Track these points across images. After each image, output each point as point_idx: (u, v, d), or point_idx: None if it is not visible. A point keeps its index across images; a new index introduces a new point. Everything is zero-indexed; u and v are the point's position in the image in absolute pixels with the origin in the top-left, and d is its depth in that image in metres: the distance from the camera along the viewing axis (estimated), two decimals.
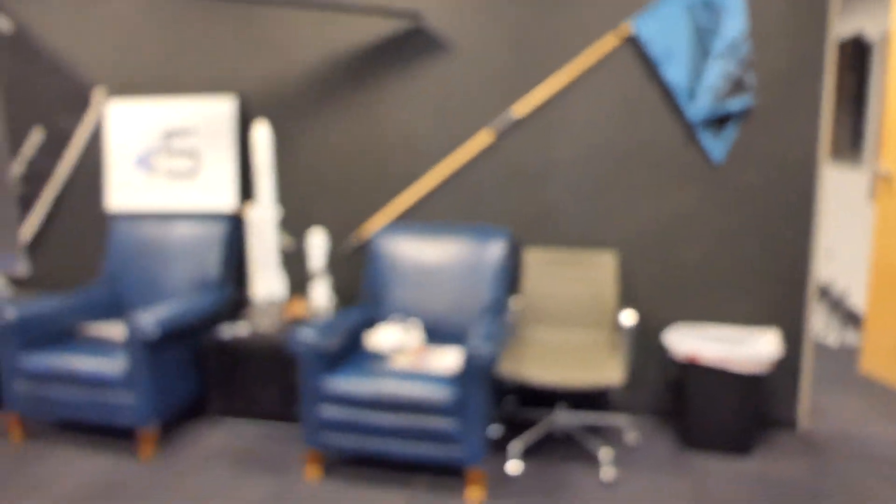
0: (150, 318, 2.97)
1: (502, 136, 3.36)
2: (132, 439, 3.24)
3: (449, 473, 2.89)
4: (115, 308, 3.62)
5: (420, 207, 3.51)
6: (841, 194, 5.29)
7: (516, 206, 3.39)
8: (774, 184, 3.14)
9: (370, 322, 3.27)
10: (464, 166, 3.43)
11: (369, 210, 3.58)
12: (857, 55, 4.80)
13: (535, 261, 3.30)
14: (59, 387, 3.08)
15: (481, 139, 3.37)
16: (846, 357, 4.28)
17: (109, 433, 3.31)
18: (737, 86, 3.05)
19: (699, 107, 3.08)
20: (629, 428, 3.24)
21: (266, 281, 3.34)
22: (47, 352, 3.13)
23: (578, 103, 3.25)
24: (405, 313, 3.25)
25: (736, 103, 3.07)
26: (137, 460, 3.04)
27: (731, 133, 3.11)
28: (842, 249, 5.30)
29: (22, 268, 3.25)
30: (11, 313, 3.12)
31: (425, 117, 3.43)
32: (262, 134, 3.24)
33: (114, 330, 3.33)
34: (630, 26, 3.16)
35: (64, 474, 2.92)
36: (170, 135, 3.70)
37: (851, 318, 4.84)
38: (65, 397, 3.08)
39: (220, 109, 3.62)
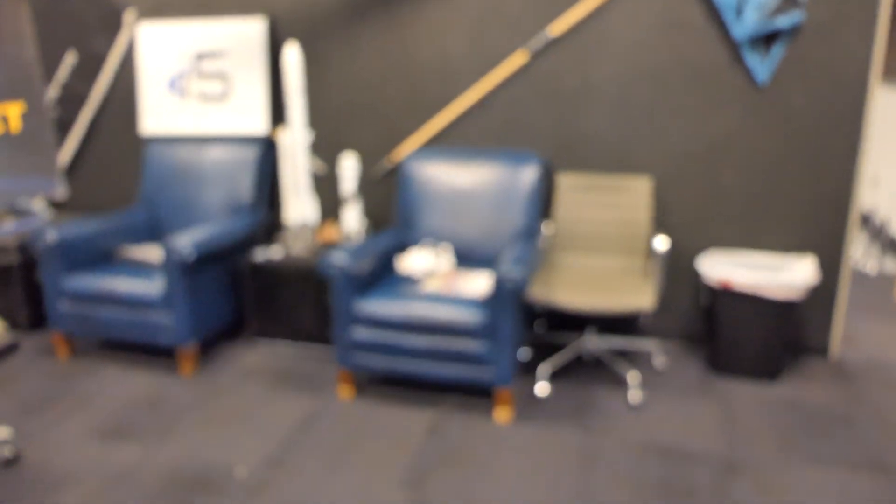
0: (186, 241, 3.00)
1: (537, 56, 3.30)
2: (173, 358, 3.32)
3: (478, 394, 2.93)
4: (152, 231, 3.66)
5: (452, 131, 3.48)
6: (891, 118, 5.10)
7: (550, 129, 3.35)
8: (821, 106, 3.04)
9: (401, 246, 3.27)
10: (497, 89, 3.38)
11: (401, 134, 3.56)
12: None
13: (568, 186, 3.27)
14: (101, 307, 3.14)
15: (516, 60, 3.31)
16: (884, 285, 4.22)
17: (151, 352, 3.39)
18: (787, 1, 2.92)
19: (746, 24, 2.97)
20: (657, 352, 3.24)
21: (298, 205, 3.36)
22: (88, 273, 3.19)
23: (617, 21, 3.17)
24: (436, 238, 3.25)
25: (785, 20, 2.94)
26: (178, 378, 3.11)
27: (777, 52, 3.00)
28: (888, 177, 5.15)
29: (61, 191, 3.32)
30: (53, 236, 3.17)
31: (458, 38, 3.38)
32: (292, 56, 3.21)
33: (151, 252, 3.38)
34: None
35: (109, 390, 3.01)
36: (201, 57, 3.69)
37: (892, 247, 4.75)
38: (107, 317, 3.16)
39: (250, 31, 3.58)
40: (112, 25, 3.84)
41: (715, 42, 3.09)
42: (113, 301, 3.10)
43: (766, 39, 3.01)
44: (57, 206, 4.19)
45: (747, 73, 3.08)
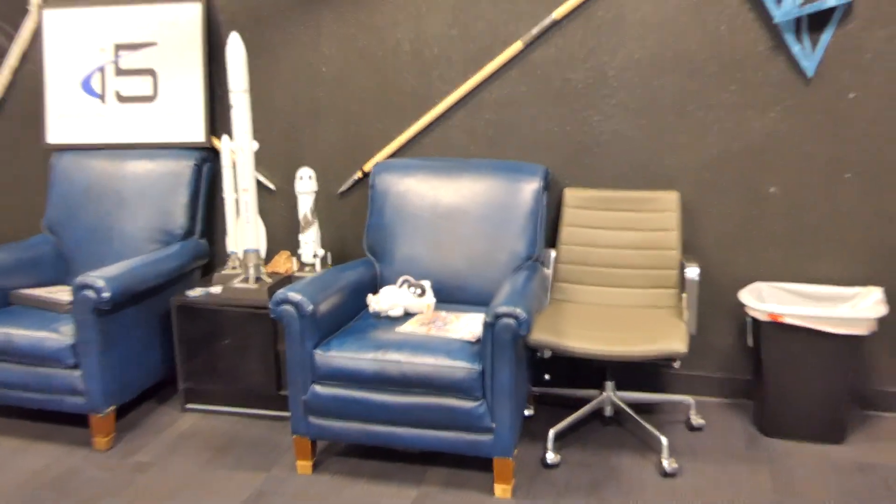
0: (102, 279, 2.95)
1: (538, 44, 3.30)
2: (85, 426, 3.26)
3: (471, 465, 2.89)
4: (58, 266, 3.60)
5: (434, 137, 3.48)
6: None
7: (555, 133, 3.36)
8: (881, 102, 3.04)
9: (373, 280, 3.28)
10: (489, 85, 3.39)
11: (371, 141, 3.56)
12: None
13: (578, 203, 3.28)
14: None
15: (511, 48, 3.31)
16: None
17: (58, 419, 3.33)
18: None
19: (789, 5, 2.98)
20: (693, 408, 3.22)
21: (243, 231, 3.30)
22: None
23: (636, 1, 3.18)
24: (416, 269, 3.24)
25: None
26: (92, 451, 3.06)
27: (827, 37, 3.02)
28: None
29: None
30: None
31: (440, 20, 3.38)
32: (235, 47, 3.14)
33: (57, 294, 3.32)
34: None
35: (3, 469, 2.94)
36: (122, 50, 3.66)
37: None
38: (1, 377, 3.06)
39: (183, 18, 3.57)
40: (13, 12, 3.76)
41: (753, 27, 3.10)
42: (8, 356, 3.03)
43: (814, 22, 3.02)
44: None
45: (792, 63, 3.09)
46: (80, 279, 2.93)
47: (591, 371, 3.49)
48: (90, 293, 2.92)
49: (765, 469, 2.83)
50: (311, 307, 2.72)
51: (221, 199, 3.69)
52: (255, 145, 3.27)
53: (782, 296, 3.16)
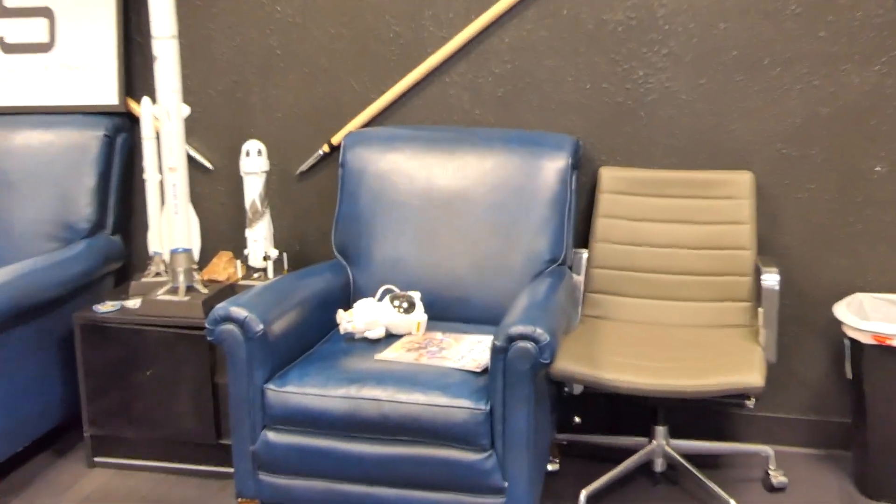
0: None
1: None
2: None
3: None
4: None
5: (427, 101, 3.49)
6: None
7: (587, 94, 3.36)
8: None
9: (344, 291, 3.28)
10: (499, 29, 3.39)
11: (343, 106, 3.57)
12: None
13: (619, 187, 3.28)
14: None
15: None
16: None
17: None
18: None
19: None
20: (772, 461, 3.22)
21: (171, 224, 3.29)
22: None
23: None
24: (402, 275, 3.23)
25: None
26: None
27: None
28: None
29: None
30: None
31: None
32: None
33: None
34: None
35: None
36: None
37: None
38: None
39: None
40: None
41: None
42: None
43: None
44: None
45: None
46: None
47: (637, 413, 3.50)
48: None
49: None
50: (260, 327, 2.70)
51: (141, 182, 3.64)
52: (187, 110, 3.28)
53: (892, 311, 3.13)
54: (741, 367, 2.69)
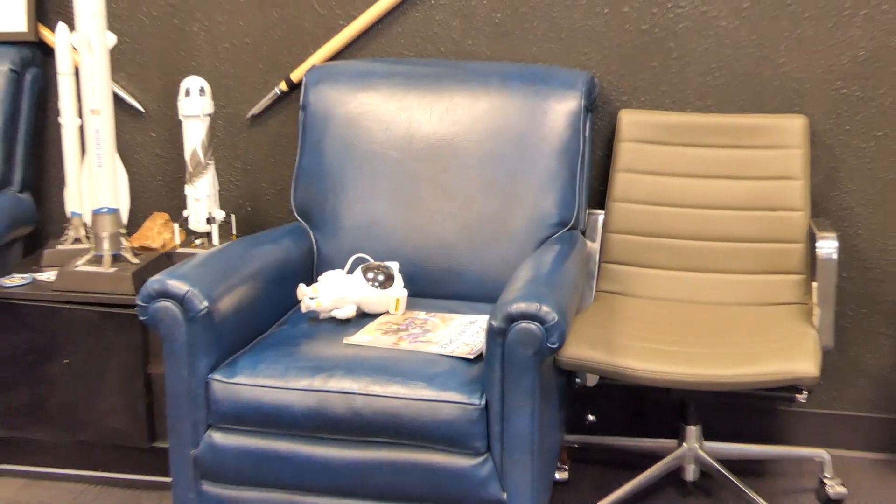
0: None
1: None
2: None
3: None
4: None
5: (408, 27, 3.50)
6: None
7: (603, 19, 3.36)
8: None
9: (306, 261, 3.28)
10: None
11: (304, 34, 3.57)
12: None
13: (643, 135, 3.29)
14: None
15: None
16: None
17: None
18: None
19: None
20: (828, 467, 3.22)
21: (94, 180, 3.27)
22: None
23: None
24: (378, 242, 3.24)
25: None
26: None
27: None
28: None
29: None
30: None
31: None
32: None
33: None
34: None
35: None
36: None
37: None
38: None
39: None
40: None
41: None
42: None
43: None
44: None
45: None
46: None
47: (664, 409, 3.53)
48: None
49: None
50: (205, 304, 2.68)
51: (56, 128, 3.60)
52: (113, 39, 3.25)
53: None
54: (790, 354, 2.68)
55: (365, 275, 3.02)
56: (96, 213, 3.23)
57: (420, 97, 3.27)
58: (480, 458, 2.56)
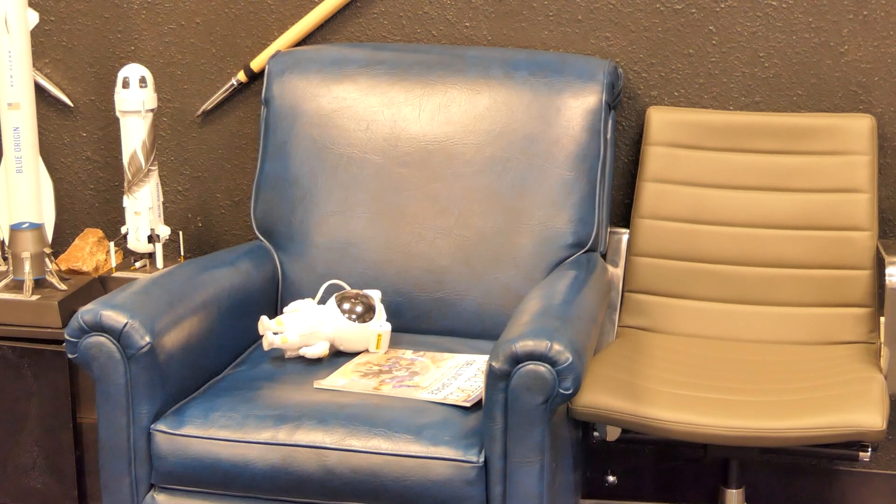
0: None
1: None
2: None
3: None
4: None
5: (392, 7, 3.54)
6: None
7: (628, 2, 3.38)
8: None
9: (269, 287, 3.31)
10: None
11: (267, 15, 3.60)
12: None
13: (676, 137, 3.31)
14: None
15: None
16: None
17: None
18: None
19: None
20: None
21: (13, 189, 3.34)
22: None
23: None
24: (355, 266, 3.26)
25: None
26: None
27: None
28: None
29: None
30: None
31: None
32: None
33: None
34: None
35: None
36: None
37: None
38: None
39: None
40: None
41: None
42: None
43: None
44: None
45: None
46: None
47: (699, 469, 3.55)
48: None
49: None
50: (147, 340, 2.69)
51: None
52: (35, 19, 3.32)
53: None
54: (852, 403, 2.68)
55: (340, 305, 3.03)
56: (15, 230, 3.28)
57: (407, 91, 3.28)
58: None
